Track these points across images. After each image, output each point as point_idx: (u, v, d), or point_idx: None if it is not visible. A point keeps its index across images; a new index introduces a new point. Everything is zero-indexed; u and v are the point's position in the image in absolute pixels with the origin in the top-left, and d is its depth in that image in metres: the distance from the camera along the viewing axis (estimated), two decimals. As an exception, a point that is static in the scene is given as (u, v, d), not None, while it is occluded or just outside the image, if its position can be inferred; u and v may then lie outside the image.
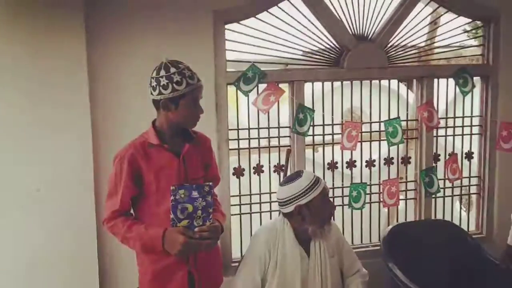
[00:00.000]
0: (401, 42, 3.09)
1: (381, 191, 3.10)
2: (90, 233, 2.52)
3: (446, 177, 3.22)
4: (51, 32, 2.41)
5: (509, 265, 2.56)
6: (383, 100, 3.16)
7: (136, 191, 1.96)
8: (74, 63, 2.45)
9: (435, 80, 3.16)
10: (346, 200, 3.08)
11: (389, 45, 3.05)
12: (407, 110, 3.30)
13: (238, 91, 2.83)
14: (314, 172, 2.97)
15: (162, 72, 1.88)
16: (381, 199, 3.11)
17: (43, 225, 2.45)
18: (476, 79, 3.24)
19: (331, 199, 2.28)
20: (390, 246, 2.87)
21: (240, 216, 2.97)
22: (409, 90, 3.61)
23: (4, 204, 2.38)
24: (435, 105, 3.12)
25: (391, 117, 3.10)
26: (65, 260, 2.48)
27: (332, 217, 2.27)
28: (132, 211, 2.04)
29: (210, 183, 1.89)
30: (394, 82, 3.25)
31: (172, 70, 1.87)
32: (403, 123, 3.17)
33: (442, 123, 3.23)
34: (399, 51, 3.09)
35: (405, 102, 3.36)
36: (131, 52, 2.60)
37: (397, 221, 3.25)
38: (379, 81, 3.15)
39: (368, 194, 3.10)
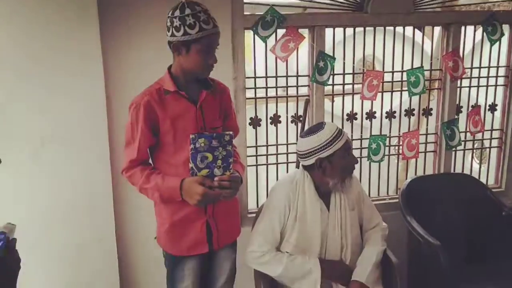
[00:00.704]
0: (428, -14, 2.90)
1: (400, 143, 3.02)
2: (106, 183, 2.47)
3: (468, 129, 3.13)
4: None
5: None
6: (406, 50, 3.00)
7: (153, 139, 1.89)
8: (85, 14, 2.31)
9: (462, 28, 2.99)
10: (364, 153, 3.00)
11: (415, -11, 2.86)
12: (431, 60, 3.14)
13: (256, 37, 2.68)
14: (332, 122, 2.91)
15: (177, 13, 1.76)
16: (401, 152, 3.03)
17: (57, 174, 2.38)
18: (505, 27, 3.07)
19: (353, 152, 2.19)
20: (408, 199, 2.83)
21: (257, 167, 2.90)
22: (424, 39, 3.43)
23: (17, 153, 2.32)
24: (460, 54, 2.98)
25: (414, 66, 2.96)
26: (81, 210, 2.44)
27: (353, 171, 2.18)
28: (150, 161, 1.98)
29: (231, 133, 1.80)
30: (418, 34, 3.08)
31: (187, 11, 1.74)
32: (426, 73, 3.03)
33: (467, 73, 3.09)
34: (426, -4, 2.90)
35: (428, 52, 3.20)
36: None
37: (416, 174, 3.17)
38: (403, 29, 2.98)
39: (387, 146, 3.01)
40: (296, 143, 2.71)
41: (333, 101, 3.04)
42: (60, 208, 2.41)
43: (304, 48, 2.83)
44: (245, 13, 2.64)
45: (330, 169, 2.09)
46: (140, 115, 1.84)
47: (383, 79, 2.89)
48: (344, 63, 2.91)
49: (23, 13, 2.23)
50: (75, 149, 2.39)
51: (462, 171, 3.22)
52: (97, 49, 2.36)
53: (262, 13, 2.63)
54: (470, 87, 3.17)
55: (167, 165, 1.92)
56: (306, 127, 2.75)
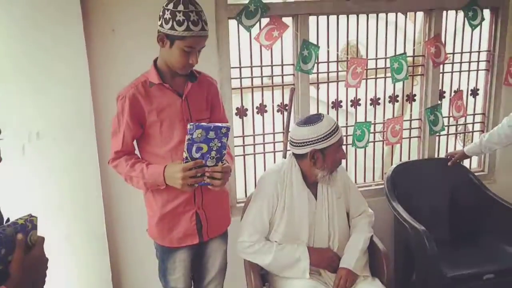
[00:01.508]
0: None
1: (385, 129, 3.05)
2: (95, 176, 2.47)
3: (451, 114, 3.18)
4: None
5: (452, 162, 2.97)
6: (390, 35, 3.02)
7: (139, 131, 1.91)
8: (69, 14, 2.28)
9: (444, 13, 3.02)
10: (350, 140, 3.03)
11: (398, -25, 2.87)
12: (414, 46, 3.17)
13: (240, 27, 2.68)
14: (318, 110, 2.93)
15: (170, 6, 1.76)
16: (385, 138, 3.07)
17: (45, 170, 2.36)
18: (486, 12, 3.10)
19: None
20: (394, 185, 2.88)
21: (244, 157, 2.92)
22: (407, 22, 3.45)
23: (4, 148, 2.28)
24: (442, 39, 3.01)
25: (397, 52, 2.99)
26: (70, 204, 2.44)
27: (337, 167, 2.20)
28: (136, 152, 2.00)
29: (228, 125, 1.81)
30: (401, 18, 3.09)
31: (179, 8, 1.74)
32: (409, 59, 3.06)
33: (449, 58, 3.13)
34: (408, -18, 2.91)
35: (411, 38, 3.23)
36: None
37: (401, 160, 3.22)
38: (386, 14, 2.99)
39: (372, 133, 3.04)
40: (282, 132, 2.74)
41: (318, 89, 3.06)
42: (49, 203, 2.39)
43: (288, 36, 2.83)
44: (228, 2, 2.63)
45: (322, 162, 2.11)
46: (125, 107, 1.86)
47: (366, 66, 2.91)
48: (328, 51, 2.91)
49: (10, 11, 2.20)
50: (62, 144, 2.37)
51: (446, 155, 3.27)
52: (81, 42, 2.34)
53: (245, 3, 2.61)
54: (452, 72, 3.21)
55: (153, 156, 1.94)
56: (293, 116, 2.77)
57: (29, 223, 1.20)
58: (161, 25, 1.79)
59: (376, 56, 3.04)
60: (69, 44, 2.31)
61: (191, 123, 1.73)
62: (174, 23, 1.74)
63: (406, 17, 3.14)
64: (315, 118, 2.12)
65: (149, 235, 2.07)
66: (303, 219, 2.17)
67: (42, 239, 1.24)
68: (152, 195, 1.97)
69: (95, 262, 2.56)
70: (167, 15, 1.75)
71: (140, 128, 1.91)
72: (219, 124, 1.78)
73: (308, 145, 2.09)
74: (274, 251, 2.12)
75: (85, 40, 2.35)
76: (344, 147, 2.98)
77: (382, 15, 2.99)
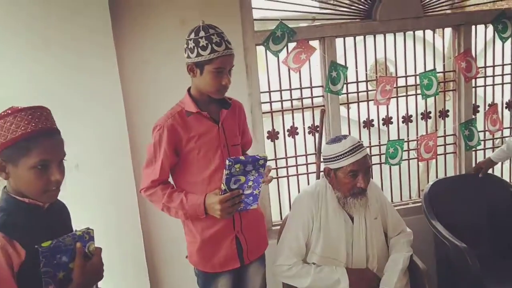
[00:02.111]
0: (436, -12, 2.91)
1: (418, 146, 3.02)
2: (132, 203, 2.52)
3: (486, 128, 3.11)
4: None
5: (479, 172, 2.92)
6: (418, 52, 3.01)
7: (175, 160, 1.95)
8: (100, 33, 2.37)
9: (473, 28, 3.00)
10: (383, 159, 3.00)
11: (423, -8, 2.87)
12: (444, 61, 3.15)
13: (267, 52, 2.73)
14: (349, 130, 2.92)
15: (192, 35, 1.82)
16: (418, 154, 3.03)
17: (84, 197, 2.42)
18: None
19: (366, 177, 2.11)
20: (432, 202, 2.83)
21: (278, 180, 2.93)
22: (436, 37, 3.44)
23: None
24: (473, 53, 2.98)
25: (427, 67, 2.97)
26: (109, 230, 2.47)
27: (359, 195, 2.12)
28: (170, 180, 2.03)
29: (266, 156, 1.82)
30: (429, 33, 3.09)
31: (201, 34, 1.80)
32: (440, 75, 3.04)
33: (481, 72, 3.08)
34: (434, -2, 2.91)
35: (440, 53, 3.21)
36: (156, 14, 2.50)
37: (437, 176, 3.16)
38: (413, 32, 3.00)
39: (406, 150, 3.01)
40: (315, 153, 2.76)
41: (348, 109, 3.06)
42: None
43: (316, 58, 2.87)
44: (255, 29, 2.69)
45: (335, 182, 2.13)
46: (163, 136, 1.90)
47: (396, 84, 2.90)
48: (356, 71, 2.93)
49: (48, 48, 2.31)
50: (100, 173, 2.44)
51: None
52: (115, 74, 2.42)
53: (272, 29, 2.67)
54: (485, 86, 3.16)
55: (190, 184, 1.96)
56: (324, 137, 2.79)
57: (86, 235, 1.35)
58: (188, 57, 1.84)
59: (406, 73, 3.03)
60: (104, 77, 2.40)
61: (229, 159, 1.74)
62: (199, 49, 1.80)
63: (434, 32, 3.13)
64: (338, 138, 2.15)
65: (189, 262, 2.09)
66: (340, 239, 2.15)
67: (99, 250, 1.40)
68: (192, 222, 2.00)
69: (135, 289, 2.59)
70: (191, 44, 1.81)
71: (176, 157, 1.94)
72: (257, 156, 1.79)
73: (326, 162, 2.14)
74: (312, 274, 2.10)
75: (119, 72, 2.43)
76: (379, 166, 3.01)
77: (409, 32, 2.99)
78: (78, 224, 2.37)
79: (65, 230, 1.40)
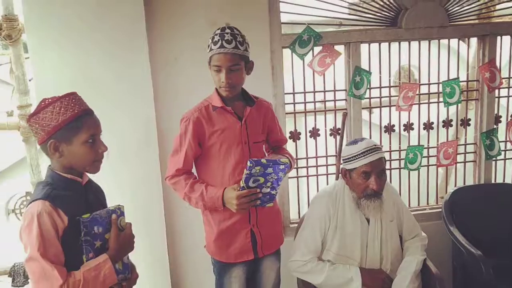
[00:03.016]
0: (462, -2, 2.94)
1: (438, 152, 3.05)
2: (157, 192, 2.63)
3: (508, 139, 3.13)
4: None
5: None
6: (442, 60, 3.05)
7: (198, 151, 2.06)
8: (133, 28, 2.49)
9: (498, 38, 3.02)
10: (403, 164, 3.05)
11: (449, 2, 2.90)
12: (467, 70, 3.17)
13: (294, 55, 2.81)
14: (370, 134, 2.98)
15: (212, 34, 1.96)
16: (437, 160, 3.06)
17: (112, 187, 2.54)
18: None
19: (379, 179, 2.14)
20: (451, 210, 2.85)
21: (298, 179, 3.01)
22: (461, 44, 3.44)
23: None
24: (497, 64, 3.00)
25: (451, 77, 3.00)
26: (133, 219, 2.58)
27: (373, 197, 2.15)
28: (193, 171, 2.14)
29: (287, 163, 1.91)
30: (454, 40, 3.12)
31: (217, 31, 1.94)
32: (463, 84, 3.07)
33: (505, 83, 3.10)
34: (460, 8, 2.94)
35: (465, 61, 3.24)
36: (188, 15, 2.61)
37: (455, 184, 3.19)
38: (438, 40, 3.04)
39: (425, 157, 3.05)
40: (335, 155, 2.82)
41: (371, 113, 3.12)
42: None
43: (340, 62, 2.93)
44: (282, 32, 2.77)
45: (350, 182, 2.20)
46: (189, 128, 2.01)
47: (419, 91, 2.94)
48: (380, 77, 2.98)
49: (84, 45, 2.45)
50: (129, 160, 2.56)
51: (503, 180, 3.20)
52: (147, 70, 2.53)
53: (299, 32, 2.75)
54: (508, 96, 3.17)
55: (208, 176, 2.07)
56: (345, 139, 2.84)
57: (118, 210, 1.58)
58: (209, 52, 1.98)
59: (429, 81, 3.07)
60: (136, 73, 2.52)
61: (251, 160, 1.83)
62: (212, 44, 1.95)
63: (459, 40, 3.16)
64: (355, 140, 2.22)
65: (207, 251, 2.19)
66: (355, 239, 2.21)
67: (130, 224, 1.62)
68: (210, 214, 2.10)
69: (156, 275, 2.69)
70: (209, 41, 1.96)
71: (200, 148, 2.05)
72: (278, 161, 1.87)
73: (343, 163, 2.22)
74: (327, 271, 2.17)
75: (151, 68, 2.55)
76: (398, 171, 3.05)
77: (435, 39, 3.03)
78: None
79: (100, 207, 1.62)
